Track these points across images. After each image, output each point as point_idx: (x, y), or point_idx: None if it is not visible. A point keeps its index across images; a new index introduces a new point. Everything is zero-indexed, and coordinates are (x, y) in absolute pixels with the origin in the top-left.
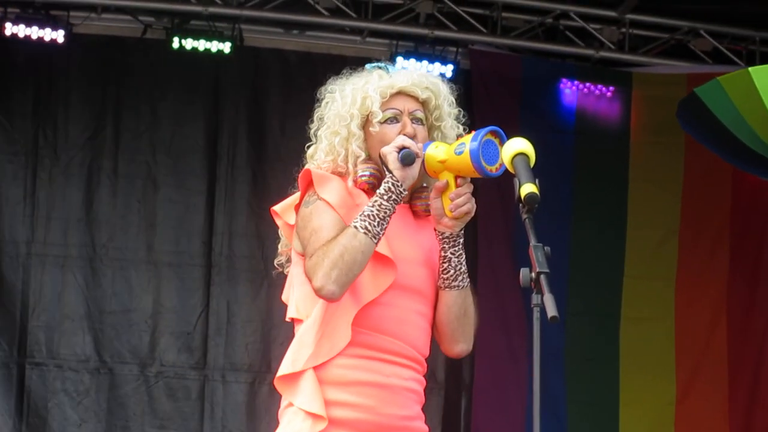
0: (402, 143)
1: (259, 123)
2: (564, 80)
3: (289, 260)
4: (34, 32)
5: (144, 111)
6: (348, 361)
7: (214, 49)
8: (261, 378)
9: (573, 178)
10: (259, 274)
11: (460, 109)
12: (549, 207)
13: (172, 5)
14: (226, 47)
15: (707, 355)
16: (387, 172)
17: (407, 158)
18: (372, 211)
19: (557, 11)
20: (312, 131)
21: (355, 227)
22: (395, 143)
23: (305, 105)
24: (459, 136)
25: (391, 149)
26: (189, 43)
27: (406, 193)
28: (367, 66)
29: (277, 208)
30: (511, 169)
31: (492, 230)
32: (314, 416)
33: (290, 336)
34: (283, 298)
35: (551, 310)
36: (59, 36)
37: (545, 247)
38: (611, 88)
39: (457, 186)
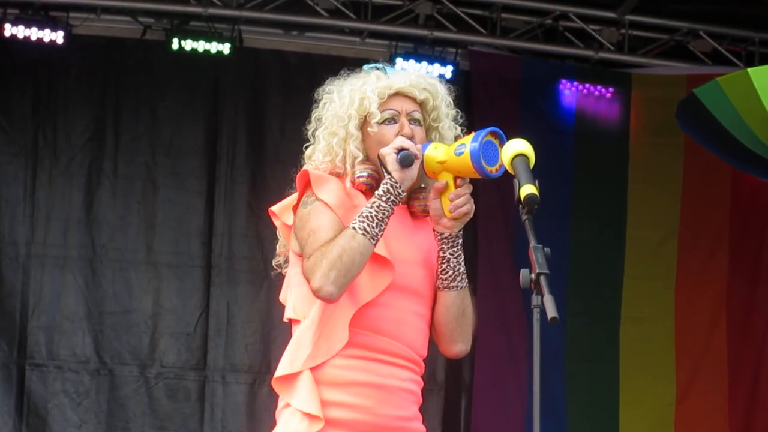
0: (401, 144)
1: (259, 124)
2: (563, 81)
3: (287, 261)
4: (34, 33)
5: (144, 112)
6: (345, 361)
7: (213, 50)
8: (261, 379)
9: (572, 179)
10: (259, 275)
11: (458, 110)
12: (548, 208)
13: (171, 6)
14: (226, 48)
15: (707, 356)
16: (385, 174)
17: (406, 160)
18: (370, 212)
19: (557, 12)
20: (310, 132)
21: (354, 228)
22: (394, 144)
23: (305, 106)
24: (457, 137)
25: (389, 150)
26: (188, 44)
27: (405, 194)
28: (365, 67)
29: (274, 208)
30: (510, 170)
31: (492, 231)
32: (311, 417)
33: (289, 337)
34: (281, 298)
35: (551, 311)
36: (59, 37)
37: (545, 248)
38: (611, 89)
39: (456, 187)
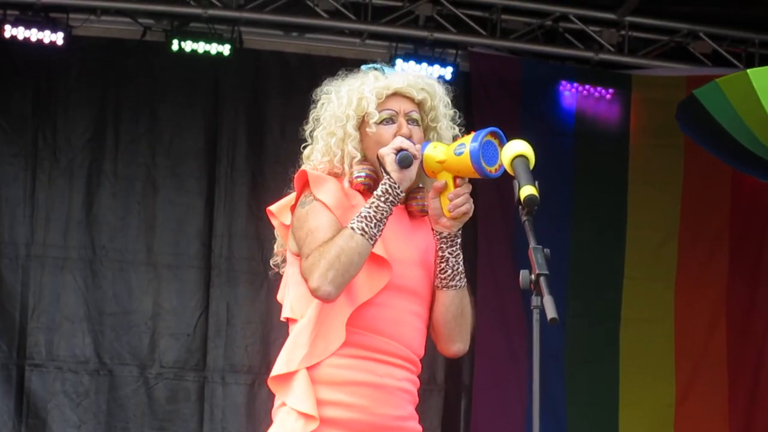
0: (400, 145)
1: (259, 125)
2: (563, 82)
3: (284, 260)
4: (34, 34)
5: (143, 113)
6: (342, 360)
7: (213, 52)
8: (260, 380)
9: (572, 181)
10: (259, 275)
11: (456, 111)
12: (548, 209)
13: (171, 7)
14: (226, 49)
15: (707, 357)
16: (384, 174)
17: (405, 160)
18: (369, 212)
19: (556, 14)
20: (307, 132)
21: (352, 228)
22: (393, 145)
23: (305, 107)
24: (455, 137)
25: (388, 151)
26: (188, 46)
27: (403, 194)
28: (363, 67)
29: (272, 208)
30: (510, 171)
31: (492, 232)
32: (306, 416)
33: (286, 336)
34: (278, 298)
35: (551, 312)
36: (58, 38)
37: (545, 249)
38: (610, 90)
39: (455, 186)
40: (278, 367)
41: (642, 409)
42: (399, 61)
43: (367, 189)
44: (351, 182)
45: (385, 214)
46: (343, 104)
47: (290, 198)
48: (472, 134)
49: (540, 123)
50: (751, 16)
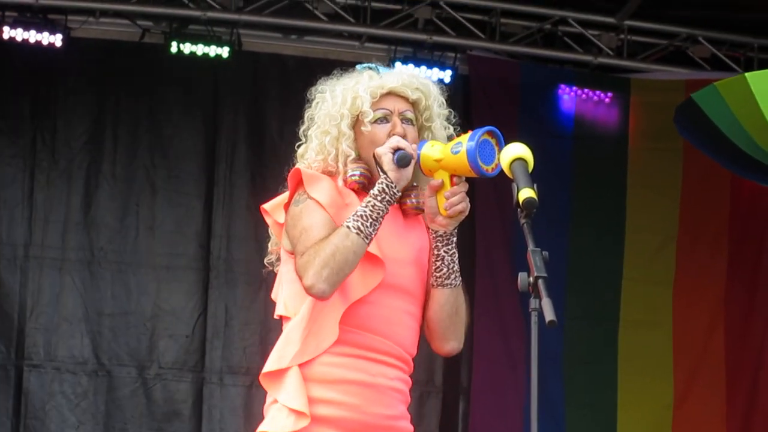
0: (397, 144)
1: (258, 127)
2: (562, 86)
3: (279, 259)
4: (32, 36)
5: (142, 115)
6: (334, 359)
7: (212, 54)
8: (259, 381)
9: (571, 184)
10: (257, 277)
11: (451, 110)
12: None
13: (170, 10)
14: (225, 52)
15: (705, 360)
16: (381, 173)
17: (403, 159)
18: (365, 211)
19: (556, 17)
20: (302, 131)
21: (348, 227)
22: (389, 144)
23: (303, 110)
24: (450, 137)
25: (386, 150)
26: (187, 48)
27: (400, 194)
28: (358, 67)
29: (266, 206)
30: (509, 174)
31: (490, 235)
32: (297, 413)
33: (280, 333)
34: (273, 296)
35: (549, 315)
36: (57, 40)
37: (543, 252)
38: (609, 94)
39: (452, 185)
40: (270, 364)
41: (640, 411)
42: (398, 64)
43: (362, 188)
44: (345, 181)
45: (381, 213)
46: (337, 103)
47: (284, 196)
48: (470, 133)
49: (539, 126)
50: (750, 21)
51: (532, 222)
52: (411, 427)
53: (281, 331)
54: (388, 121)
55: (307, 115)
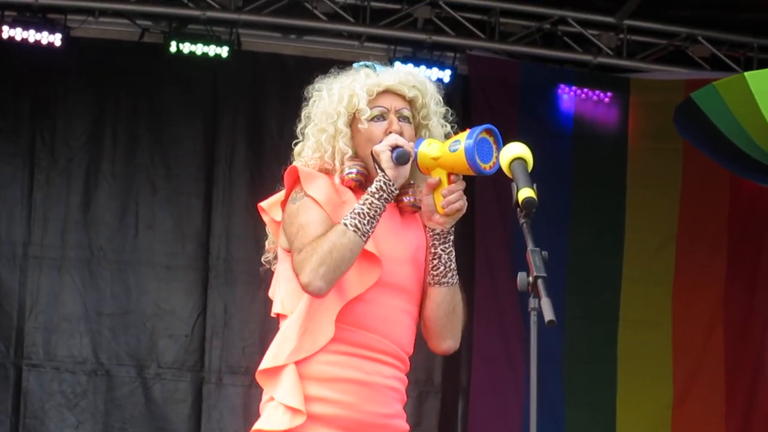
0: (395, 142)
1: (257, 127)
2: (562, 86)
3: (276, 257)
4: (32, 35)
5: (141, 114)
6: (330, 357)
7: (211, 53)
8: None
9: (571, 184)
10: (257, 277)
11: (448, 108)
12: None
13: (169, 9)
14: (224, 51)
15: (704, 359)
16: (379, 171)
17: (402, 157)
18: (362, 209)
19: (555, 17)
20: (299, 129)
21: (345, 225)
22: (387, 141)
23: (302, 109)
24: (447, 135)
25: (384, 148)
26: (186, 47)
27: (397, 191)
28: (355, 65)
29: (263, 204)
30: (508, 174)
31: (490, 235)
32: (293, 410)
33: (277, 331)
34: (270, 294)
35: (548, 314)
36: (56, 39)
37: (543, 252)
38: (609, 93)
39: (449, 183)
40: (266, 361)
41: (640, 411)
42: (397, 64)
43: (359, 185)
44: (342, 179)
45: (378, 211)
46: (334, 101)
47: (281, 194)
48: (467, 131)
49: (538, 126)
50: (750, 21)
51: (531, 222)
52: (407, 426)
53: (278, 329)
54: (384, 119)
55: (304, 113)
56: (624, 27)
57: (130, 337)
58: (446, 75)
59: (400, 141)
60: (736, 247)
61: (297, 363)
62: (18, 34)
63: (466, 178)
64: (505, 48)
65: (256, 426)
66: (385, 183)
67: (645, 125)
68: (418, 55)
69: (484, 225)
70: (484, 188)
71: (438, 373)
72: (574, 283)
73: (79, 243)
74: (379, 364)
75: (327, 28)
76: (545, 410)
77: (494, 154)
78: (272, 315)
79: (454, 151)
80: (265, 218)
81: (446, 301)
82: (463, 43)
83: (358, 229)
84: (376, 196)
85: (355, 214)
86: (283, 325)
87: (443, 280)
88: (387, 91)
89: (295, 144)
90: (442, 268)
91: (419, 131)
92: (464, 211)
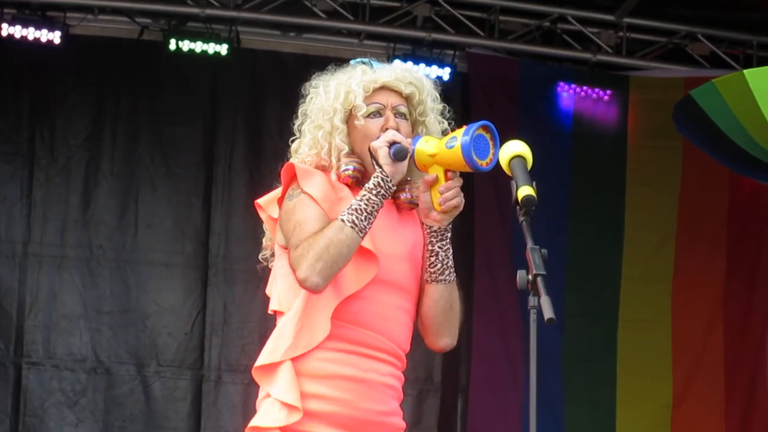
0: (392, 138)
1: (256, 125)
2: (561, 83)
3: (273, 254)
4: (31, 33)
5: (141, 112)
6: (327, 354)
7: (210, 51)
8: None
9: (570, 182)
10: (256, 275)
11: (445, 105)
12: (546, 210)
13: (168, 7)
14: (223, 49)
15: (704, 358)
16: (376, 167)
17: (399, 153)
18: (360, 205)
19: (555, 15)
20: (296, 126)
21: (342, 221)
22: (385, 138)
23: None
24: (444, 131)
25: (381, 144)
26: (186, 45)
27: (395, 188)
28: (352, 62)
29: (260, 201)
30: (508, 172)
31: (490, 234)
32: (290, 407)
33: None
34: (267, 291)
35: (548, 312)
36: (56, 37)
37: (542, 249)
38: (608, 91)
39: (446, 180)
40: (262, 358)
41: (639, 409)
42: (397, 62)
43: (355, 182)
44: (339, 175)
45: (376, 207)
46: (330, 98)
47: (278, 191)
48: (464, 128)
49: (538, 124)
50: (749, 19)
51: (530, 219)
52: (403, 424)
53: (276, 326)
54: (381, 116)
55: (300, 110)
56: (623, 25)
57: (129, 335)
58: (446, 73)
59: (398, 137)
60: (735, 244)
61: (293, 360)
62: (17, 31)
63: (465, 177)
64: (505, 46)
65: (253, 423)
66: (382, 179)
67: (644, 123)
68: (417, 52)
69: (483, 224)
70: (484, 187)
71: (438, 371)
72: (573, 282)
73: (78, 241)
74: (376, 361)
75: (326, 26)
76: (545, 408)
77: (491, 151)
78: (269, 312)
79: (451, 147)
80: (262, 215)
81: (443, 298)
82: (463, 41)
83: (356, 225)
84: (374, 192)
85: (352, 210)
86: (280, 322)
87: (440, 277)
88: (383, 88)
89: (292, 141)
90: (439, 265)
91: (416, 128)
92: (461, 208)
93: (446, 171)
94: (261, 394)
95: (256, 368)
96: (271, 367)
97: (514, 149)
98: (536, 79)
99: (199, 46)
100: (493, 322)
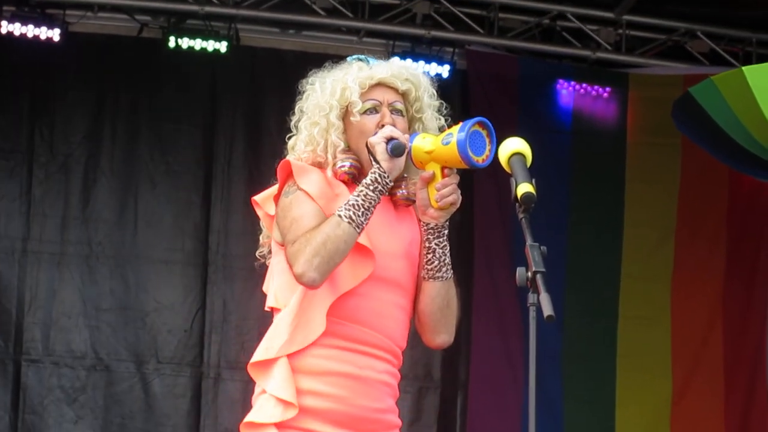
0: (390, 134)
1: (256, 122)
2: (561, 81)
3: (270, 251)
4: (30, 31)
5: (140, 110)
6: (323, 351)
7: (210, 49)
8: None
9: (570, 179)
10: (255, 272)
11: (442, 102)
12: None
13: (168, 4)
14: (223, 47)
15: (704, 355)
16: (374, 163)
17: (397, 149)
18: (357, 200)
19: (554, 12)
20: (293, 123)
21: (339, 216)
22: (383, 134)
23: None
24: (441, 128)
25: (379, 140)
26: (185, 42)
27: (392, 184)
28: (349, 58)
29: (257, 198)
30: (507, 169)
31: (490, 233)
32: (285, 403)
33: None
34: (264, 288)
35: (547, 309)
36: (55, 34)
37: (541, 247)
38: (608, 89)
39: (443, 177)
40: (258, 354)
41: (639, 407)
42: (396, 59)
43: (351, 179)
44: (335, 172)
45: (373, 203)
46: (326, 94)
47: (274, 188)
48: (460, 124)
49: (537, 121)
50: (749, 16)
51: (530, 217)
52: (399, 421)
53: (273, 322)
54: (377, 112)
55: (297, 107)
56: (623, 22)
57: (129, 332)
58: (445, 70)
59: (396, 133)
60: (734, 242)
61: (289, 356)
62: (16, 29)
63: (466, 177)
64: (504, 43)
65: (248, 418)
66: (380, 175)
67: (644, 120)
68: (416, 50)
69: (483, 223)
70: (484, 186)
71: (437, 368)
72: (573, 278)
73: (78, 239)
74: (372, 358)
75: (326, 23)
76: (544, 405)
77: (487, 147)
78: (266, 309)
79: (447, 144)
80: (259, 212)
81: (440, 295)
82: (462, 38)
83: (353, 220)
84: (371, 187)
85: (349, 205)
86: (276, 319)
87: (437, 274)
88: (380, 84)
89: (289, 138)
90: (436, 262)
91: (413, 124)
92: (458, 205)
93: (443, 168)
94: (257, 390)
95: (252, 364)
96: (267, 364)
97: (514, 146)
98: (536, 76)
99: (198, 44)
100: (493, 322)
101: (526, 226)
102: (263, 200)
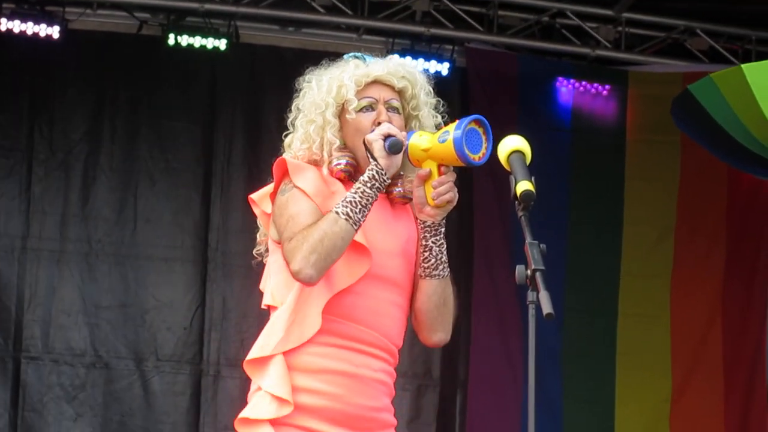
0: (387, 131)
1: (255, 120)
2: (560, 78)
3: (267, 250)
4: (30, 28)
5: (140, 107)
6: (319, 348)
7: (209, 46)
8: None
9: (569, 177)
10: (255, 270)
11: (439, 99)
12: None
13: (167, 2)
14: (222, 44)
15: (703, 353)
16: (371, 160)
17: (395, 146)
18: (354, 197)
19: (554, 9)
20: (289, 120)
21: (337, 213)
22: (380, 131)
23: None
24: (438, 126)
25: (377, 137)
26: (185, 40)
27: (389, 181)
28: (345, 56)
29: (254, 196)
30: (507, 167)
31: (489, 233)
32: (280, 400)
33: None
34: (261, 286)
35: (547, 307)
36: (54, 32)
37: (541, 245)
38: (607, 86)
39: (440, 174)
40: (254, 351)
41: (638, 405)
42: (395, 57)
43: (348, 177)
44: (331, 170)
45: (370, 200)
46: (322, 92)
47: (271, 186)
48: (456, 122)
49: (537, 119)
50: (748, 13)
51: (529, 215)
52: (394, 420)
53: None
54: (373, 110)
55: (294, 104)
56: (622, 20)
57: (128, 330)
58: (444, 68)
59: (393, 130)
60: (734, 239)
61: (285, 354)
62: (16, 26)
63: (466, 175)
64: (504, 41)
65: (243, 414)
66: (377, 172)
67: (643, 118)
68: (416, 47)
69: (483, 223)
70: (484, 186)
71: (436, 366)
72: (572, 276)
73: (77, 236)
74: (368, 356)
75: (325, 21)
76: (543, 403)
77: (483, 145)
78: (263, 307)
79: (443, 141)
80: (256, 210)
81: (437, 293)
82: (462, 36)
83: (350, 217)
84: (368, 185)
85: (346, 202)
86: (273, 317)
87: (434, 272)
88: (376, 82)
89: (286, 135)
90: (433, 260)
91: (409, 122)
92: (455, 203)
93: (439, 165)
94: (252, 387)
95: (248, 361)
96: (263, 361)
97: (513, 144)
98: (535, 74)
99: (197, 41)
100: (493, 321)
101: (525, 224)
102: (260, 198)
